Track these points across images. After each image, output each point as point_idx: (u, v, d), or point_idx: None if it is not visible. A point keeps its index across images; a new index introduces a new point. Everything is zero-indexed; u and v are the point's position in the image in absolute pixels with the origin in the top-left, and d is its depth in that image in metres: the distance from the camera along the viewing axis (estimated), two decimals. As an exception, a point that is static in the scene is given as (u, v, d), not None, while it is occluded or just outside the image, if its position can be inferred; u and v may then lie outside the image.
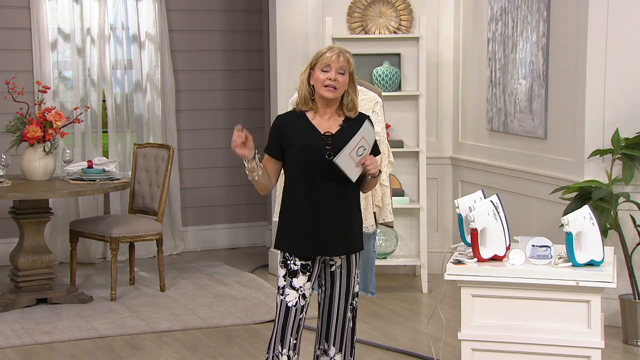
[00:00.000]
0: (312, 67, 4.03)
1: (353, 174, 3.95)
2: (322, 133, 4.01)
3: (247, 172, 4.02)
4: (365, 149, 3.94)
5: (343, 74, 3.99)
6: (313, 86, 4.03)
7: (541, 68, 6.36)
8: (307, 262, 4.04)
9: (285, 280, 4.05)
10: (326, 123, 4.04)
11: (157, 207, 7.05)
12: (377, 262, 6.54)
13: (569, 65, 6.13)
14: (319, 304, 4.19)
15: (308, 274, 4.05)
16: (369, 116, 4.16)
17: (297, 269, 4.03)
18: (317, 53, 4.03)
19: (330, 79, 3.96)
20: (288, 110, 4.31)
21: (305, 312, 4.09)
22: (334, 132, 4.02)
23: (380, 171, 4.00)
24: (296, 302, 4.04)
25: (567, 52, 6.15)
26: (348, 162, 3.91)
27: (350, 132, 4.00)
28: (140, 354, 5.65)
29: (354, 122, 4.05)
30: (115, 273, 6.74)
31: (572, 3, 6.07)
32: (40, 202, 6.59)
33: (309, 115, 4.05)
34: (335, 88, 3.98)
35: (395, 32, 7.27)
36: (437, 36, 7.39)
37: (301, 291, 4.05)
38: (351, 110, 4.07)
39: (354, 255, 4.14)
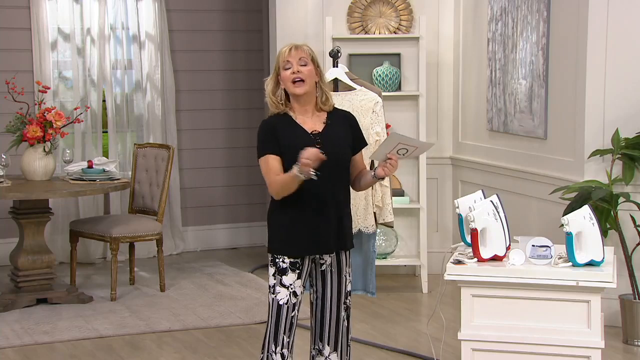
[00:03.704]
0: (277, 72, 4.02)
1: (375, 154, 3.96)
2: (310, 132, 4.01)
3: (301, 174, 3.85)
4: (404, 154, 3.92)
5: (305, 65, 3.97)
6: (285, 90, 4.01)
7: (541, 68, 6.36)
8: (296, 260, 4.04)
9: (275, 279, 4.05)
10: (310, 120, 4.03)
11: (157, 207, 7.05)
12: (377, 262, 6.54)
13: (569, 65, 6.13)
14: (312, 303, 4.18)
15: (297, 271, 4.04)
16: (349, 112, 4.18)
17: (286, 267, 4.03)
18: (277, 56, 4.04)
19: (293, 72, 3.96)
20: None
21: (298, 310, 4.09)
22: (320, 130, 4.02)
23: (382, 177, 3.99)
24: (287, 300, 4.04)
25: (567, 52, 6.15)
26: (388, 146, 3.89)
27: (336, 129, 4.02)
28: (140, 354, 5.65)
29: (337, 118, 4.06)
30: (115, 273, 6.75)
31: (572, 3, 6.07)
32: (40, 202, 6.59)
33: (292, 114, 4.04)
34: (302, 80, 3.96)
35: (395, 32, 7.28)
36: (437, 36, 7.39)
37: (292, 289, 4.04)
38: (325, 104, 4.06)
39: (344, 254, 4.13)
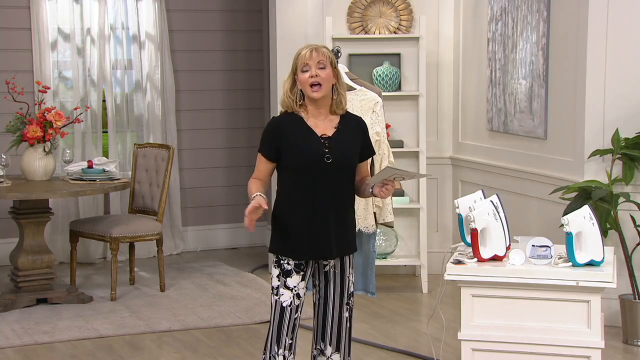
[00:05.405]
0: (295, 72, 4.01)
1: (372, 180, 4.01)
2: (320, 136, 4.01)
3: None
4: (400, 180, 3.99)
5: (324, 68, 3.96)
6: (302, 91, 4.01)
7: (541, 68, 6.36)
8: (300, 262, 4.04)
9: (279, 280, 4.05)
10: (322, 124, 4.03)
11: (157, 207, 7.05)
12: (377, 262, 6.54)
13: (569, 65, 6.13)
14: (314, 304, 4.18)
15: (302, 273, 4.05)
16: (361, 117, 4.17)
17: (291, 269, 4.03)
18: (295, 56, 4.02)
19: (312, 76, 3.95)
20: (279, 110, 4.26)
21: (300, 312, 4.09)
22: (330, 135, 4.01)
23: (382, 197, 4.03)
24: (291, 302, 4.04)
25: (567, 52, 6.15)
26: (387, 173, 3.92)
27: (346, 135, 4.02)
28: (140, 354, 5.65)
29: (348, 124, 4.06)
30: (115, 273, 6.75)
31: (572, 3, 6.07)
32: (40, 202, 6.59)
33: (304, 115, 4.03)
34: (320, 84, 3.95)
35: (395, 32, 7.28)
36: (437, 36, 7.39)
37: (295, 291, 4.04)
38: (339, 107, 4.05)
39: (347, 256, 4.14)
